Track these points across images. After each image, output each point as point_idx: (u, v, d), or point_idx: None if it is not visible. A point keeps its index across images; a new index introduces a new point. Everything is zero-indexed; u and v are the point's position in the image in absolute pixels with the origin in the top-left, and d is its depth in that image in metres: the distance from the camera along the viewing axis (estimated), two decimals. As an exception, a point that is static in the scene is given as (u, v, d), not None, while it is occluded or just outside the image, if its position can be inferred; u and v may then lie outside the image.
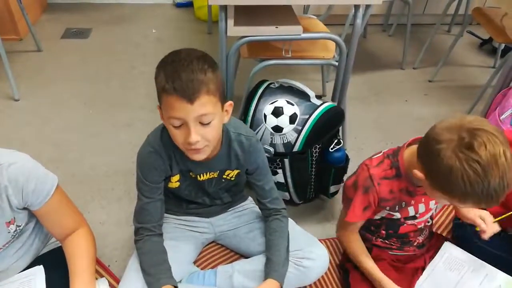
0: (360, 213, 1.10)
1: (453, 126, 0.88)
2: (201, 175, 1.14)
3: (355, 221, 1.12)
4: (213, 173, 1.15)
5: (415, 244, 1.20)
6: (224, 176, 1.18)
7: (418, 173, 0.94)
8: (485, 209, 1.14)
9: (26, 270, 1.04)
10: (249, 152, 1.13)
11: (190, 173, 1.14)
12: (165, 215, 1.21)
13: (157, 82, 0.94)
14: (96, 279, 1.06)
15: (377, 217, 1.15)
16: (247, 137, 1.13)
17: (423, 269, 1.20)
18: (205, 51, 0.97)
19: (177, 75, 0.89)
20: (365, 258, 1.17)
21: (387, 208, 1.11)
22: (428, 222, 1.14)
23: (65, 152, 1.80)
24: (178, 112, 0.91)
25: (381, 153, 1.11)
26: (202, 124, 0.94)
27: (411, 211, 1.12)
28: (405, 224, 1.14)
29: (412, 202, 1.10)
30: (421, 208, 1.12)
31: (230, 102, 1.02)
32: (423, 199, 1.11)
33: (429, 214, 1.17)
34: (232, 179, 1.19)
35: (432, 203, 1.14)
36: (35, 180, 0.90)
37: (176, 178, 1.14)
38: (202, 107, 0.91)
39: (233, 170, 1.16)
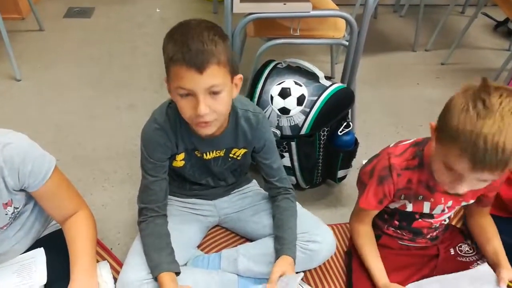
0: (375, 204, 1.06)
1: (476, 86, 0.82)
2: (207, 153, 1.12)
3: (367, 208, 1.08)
4: (219, 151, 1.12)
5: (428, 236, 1.15)
6: (231, 155, 1.15)
7: (432, 143, 0.90)
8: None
9: (27, 253, 1.03)
10: (256, 129, 1.11)
11: (196, 152, 1.11)
12: (169, 197, 1.19)
13: (165, 52, 0.91)
14: (98, 261, 1.05)
15: (390, 206, 1.11)
16: (255, 114, 1.11)
17: (436, 256, 1.16)
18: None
19: (187, 45, 0.87)
20: (373, 258, 1.10)
21: (402, 196, 1.05)
22: (445, 221, 1.09)
23: (67, 133, 1.77)
24: (187, 83, 0.89)
25: (410, 140, 1.05)
26: (211, 94, 0.92)
27: (426, 207, 1.06)
28: (420, 220, 1.09)
29: (432, 199, 1.04)
30: (438, 209, 1.06)
31: (240, 75, 1.00)
32: (442, 199, 1.04)
33: (447, 215, 1.11)
34: (239, 158, 1.17)
35: (450, 204, 1.06)
36: (32, 161, 0.88)
37: (181, 156, 1.12)
38: (211, 78, 0.89)
39: (240, 149, 1.14)
